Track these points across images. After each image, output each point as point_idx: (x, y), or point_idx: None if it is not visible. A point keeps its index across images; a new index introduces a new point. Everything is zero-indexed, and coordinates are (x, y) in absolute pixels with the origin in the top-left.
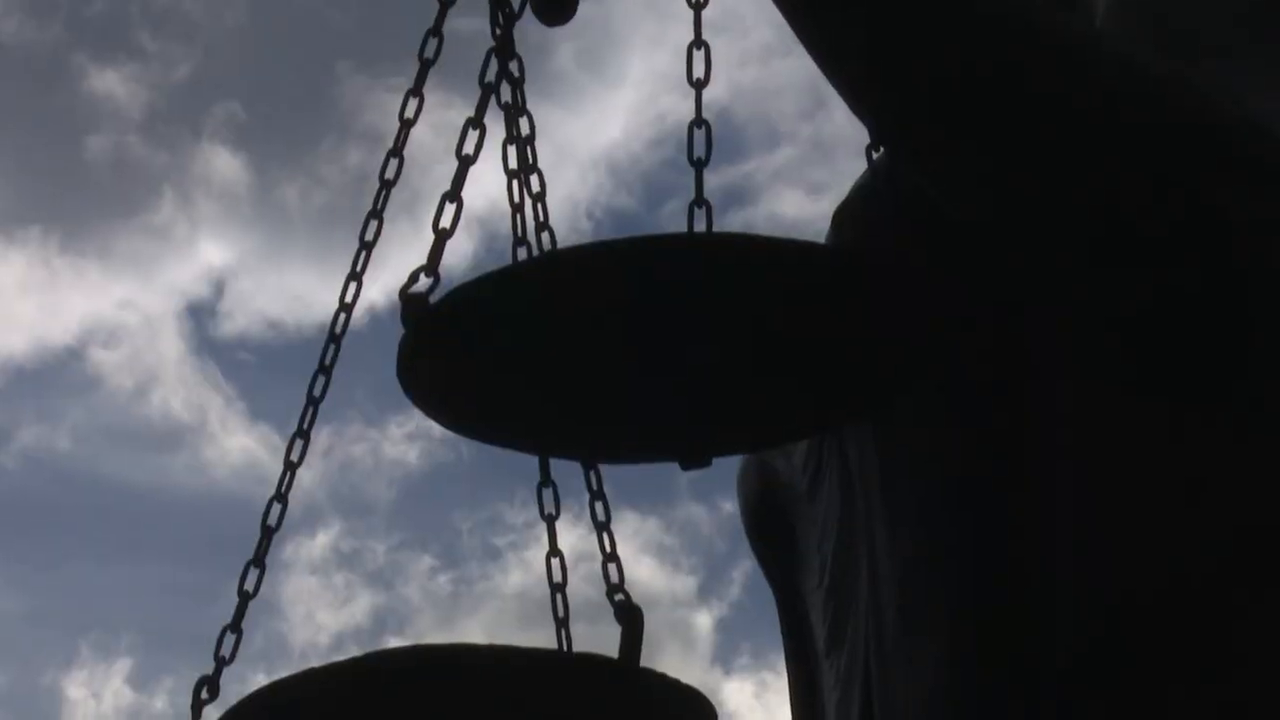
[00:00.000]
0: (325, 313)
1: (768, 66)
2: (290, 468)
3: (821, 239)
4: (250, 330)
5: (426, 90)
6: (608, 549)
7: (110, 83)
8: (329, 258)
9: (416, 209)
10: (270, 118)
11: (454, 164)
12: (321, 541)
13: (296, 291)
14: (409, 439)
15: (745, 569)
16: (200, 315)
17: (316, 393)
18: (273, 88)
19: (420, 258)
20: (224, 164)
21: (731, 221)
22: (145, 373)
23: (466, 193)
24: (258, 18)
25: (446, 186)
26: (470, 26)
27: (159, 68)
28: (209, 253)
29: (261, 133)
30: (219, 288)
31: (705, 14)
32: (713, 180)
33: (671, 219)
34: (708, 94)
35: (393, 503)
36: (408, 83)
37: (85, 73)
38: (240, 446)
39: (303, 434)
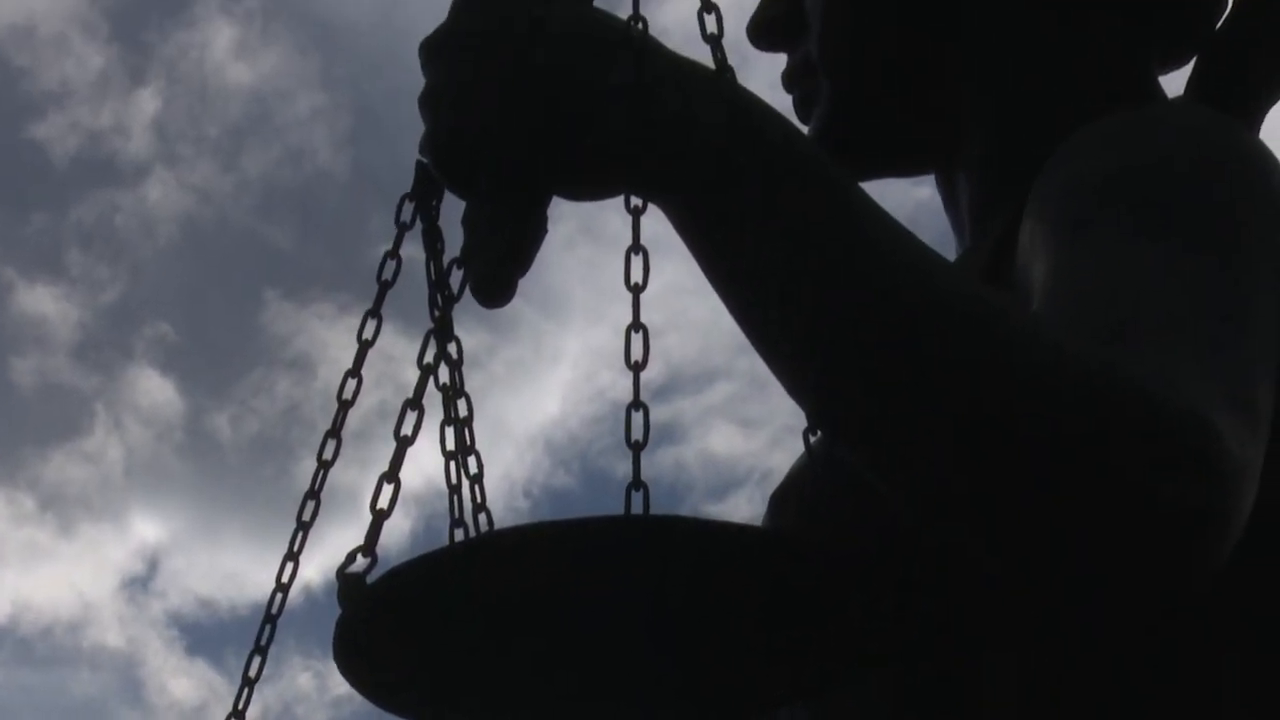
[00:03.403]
0: (259, 591)
1: (702, 299)
2: None
3: (757, 475)
4: (184, 608)
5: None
6: None
7: (41, 301)
8: (263, 522)
9: (345, 449)
10: (200, 339)
11: (385, 397)
12: None
13: (230, 569)
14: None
15: None
16: (133, 591)
17: (252, 673)
18: (202, 309)
19: (356, 525)
20: (154, 386)
21: (663, 459)
22: (74, 650)
23: (404, 469)
24: (188, 236)
25: (378, 425)
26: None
27: (88, 287)
28: (142, 527)
29: (191, 355)
30: (153, 565)
31: (644, 296)
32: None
33: (609, 498)
34: (646, 374)
35: None
36: (335, 310)
37: (15, 290)
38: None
39: (238, 714)
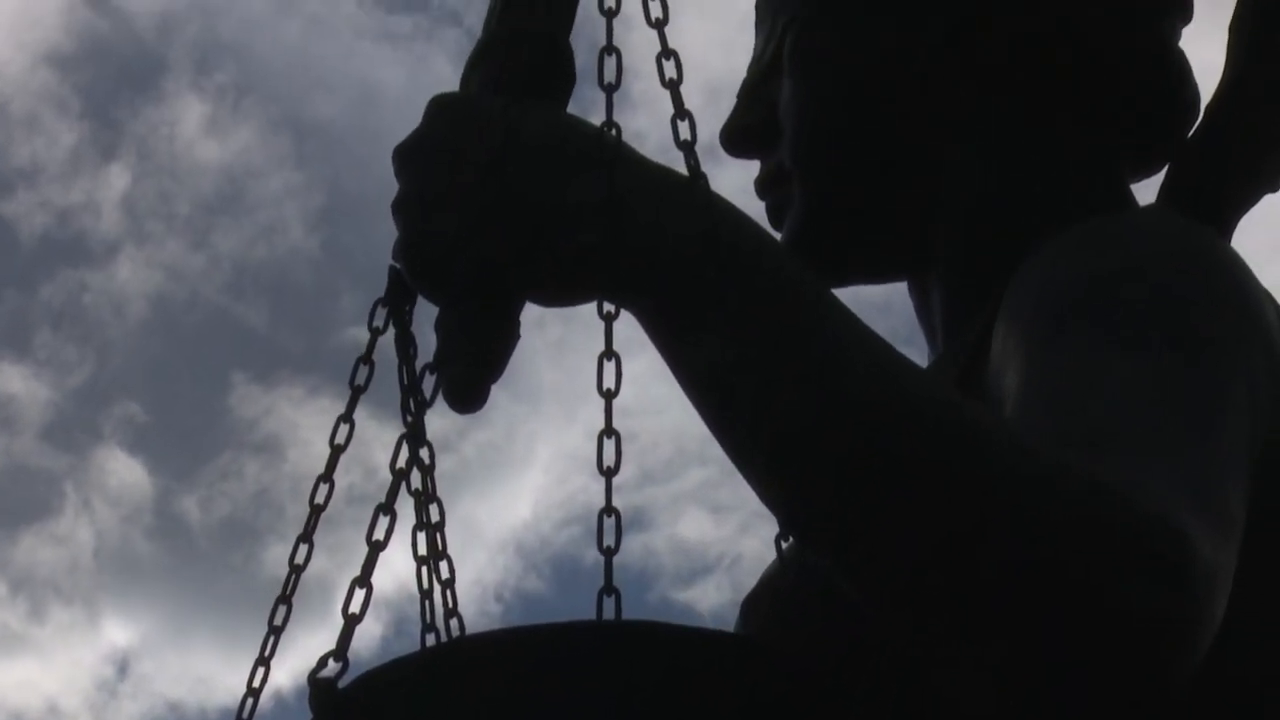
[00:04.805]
0: (230, 696)
1: (675, 384)
2: None
3: (727, 562)
4: (154, 712)
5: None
6: None
7: (10, 380)
8: (232, 618)
9: (315, 535)
10: (170, 420)
11: (354, 480)
12: None
13: (200, 672)
14: None
15: None
16: (103, 695)
17: None
18: (172, 389)
19: (327, 624)
20: (123, 467)
21: (632, 545)
22: None
23: (375, 574)
24: (158, 316)
25: (347, 510)
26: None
27: (57, 367)
28: (112, 630)
29: (161, 436)
30: (122, 669)
31: (617, 402)
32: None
33: (582, 602)
34: (618, 478)
35: None
36: (304, 392)
37: None
38: None
39: None
